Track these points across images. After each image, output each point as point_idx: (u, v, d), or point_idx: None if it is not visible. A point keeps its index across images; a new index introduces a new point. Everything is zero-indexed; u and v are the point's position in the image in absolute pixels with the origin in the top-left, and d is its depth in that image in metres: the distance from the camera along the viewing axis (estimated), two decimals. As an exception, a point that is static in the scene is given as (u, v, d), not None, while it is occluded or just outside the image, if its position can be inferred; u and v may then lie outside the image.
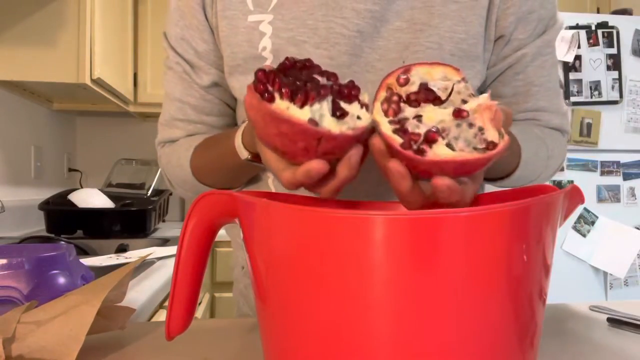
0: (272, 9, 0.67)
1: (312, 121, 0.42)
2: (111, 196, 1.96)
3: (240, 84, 0.70)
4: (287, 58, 0.47)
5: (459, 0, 0.67)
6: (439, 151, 0.41)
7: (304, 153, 0.43)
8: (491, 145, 0.41)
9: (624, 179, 2.26)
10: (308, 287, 0.36)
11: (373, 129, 0.45)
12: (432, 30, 0.66)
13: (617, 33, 2.26)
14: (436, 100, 0.45)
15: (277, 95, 0.43)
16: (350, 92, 0.45)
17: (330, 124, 0.42)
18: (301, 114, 0.42)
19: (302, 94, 0.42)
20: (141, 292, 0.98)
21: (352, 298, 0.34)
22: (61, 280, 0.76)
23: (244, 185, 0.79)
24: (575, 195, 0.42)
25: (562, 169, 2.19)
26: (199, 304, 1.91)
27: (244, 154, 0.61)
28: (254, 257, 0.40)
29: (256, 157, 0.59)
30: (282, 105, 0.42)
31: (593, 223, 2.21)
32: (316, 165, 0.43)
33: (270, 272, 0.39)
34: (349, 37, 0.65)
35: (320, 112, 0.43)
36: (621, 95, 2.25)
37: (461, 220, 0.33)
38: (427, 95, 0.45)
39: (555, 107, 0.77)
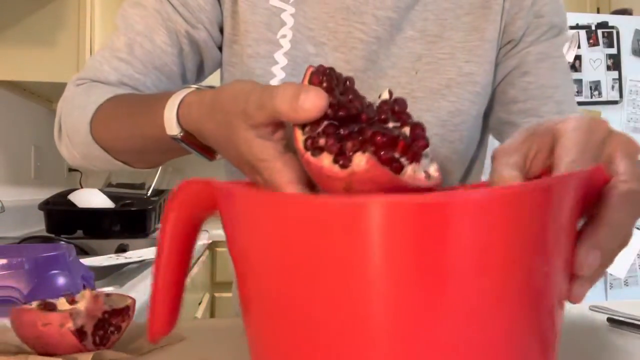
0: (295, 1, 0.66)
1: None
2: (111, 196, 1.95)
3: (233, 67, 0.68)
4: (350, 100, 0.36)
5: (472, 12, 0.68)
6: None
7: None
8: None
9: (624, 179, 2.26)
10: (297, 287, 0.32)
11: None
12: (444, 42, 0.67)
13: (617, 33, 2.25)
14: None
15: (406, 164, 0.34)
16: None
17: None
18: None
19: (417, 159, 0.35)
20: (141, 292, 0.98)
21: (347, 298, 0.30)
22: (61, 280, 0.76)
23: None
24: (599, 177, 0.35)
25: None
26: (199, 303, 1.91)
27: (174, 130, 0.48)
28: (236, 255, 0.36)
29: (188, 138, 0.49)
30: (410, 174, 0.34)
31: (593, 223, 2.21)
32: None
33: (254, 271, 0.34)
34: (366, 43, 0.66)
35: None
36: (621, 95, 2.25)
37: (474, 205, 0.28)
38: None
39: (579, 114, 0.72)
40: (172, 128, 0.48)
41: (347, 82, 0.37)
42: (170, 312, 0.41)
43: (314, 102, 0.34)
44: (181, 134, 0.48)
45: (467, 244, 0.29)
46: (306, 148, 0.34)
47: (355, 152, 0.32)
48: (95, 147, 0.61)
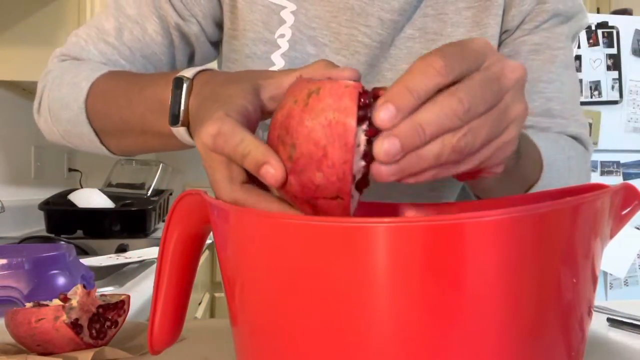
0: None
1: None
2: (111, 196, 1.95)
3: (233, 63, 0.66)
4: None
5: (474, 5, 0.65)
6: None
7: (310, 206, 0.34)
8: None
9: (624, 179, 2.26)
10: (291, 318, 0.29)
11: None
12: (445, 39, 0.64)
13: (617, 33, 2.26)
14: None
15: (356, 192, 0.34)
16: None
17: None
18: None
19: None
20: (141, 292, 0.98)
21: (347, 333, 0.27)
22: (61, 280, 0.76)
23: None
24: (629, 195, 0.34)
25: (562, 169, 2.20)
26: (199, 303, 1.91)
27: (188, 72, 0.46)
28: (226, 274, 0.34)
29: (188, 92, 0.46)
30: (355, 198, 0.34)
31: (593, 223, 2.21)
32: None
33: (244, 294, 0.32)
34: (370, 48, 0.64)
35: None
36: (621, 95, 2.26)
37: (490, 227, 0.26)
38: None
39: (570, 113, 0.66)
40: (187, 71, 0.46)
41: None
42: (173, 323, 0.40)
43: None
44: (187, 82, 0.46)
45: (485, 272, 0.26)
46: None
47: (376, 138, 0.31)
48: (86, 125, 0.60)
